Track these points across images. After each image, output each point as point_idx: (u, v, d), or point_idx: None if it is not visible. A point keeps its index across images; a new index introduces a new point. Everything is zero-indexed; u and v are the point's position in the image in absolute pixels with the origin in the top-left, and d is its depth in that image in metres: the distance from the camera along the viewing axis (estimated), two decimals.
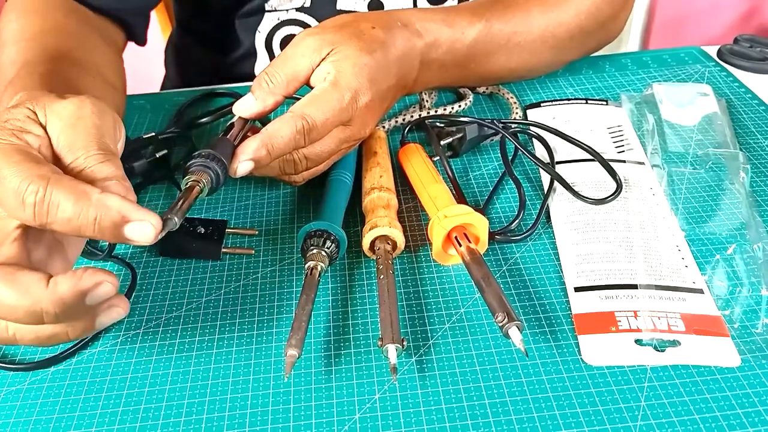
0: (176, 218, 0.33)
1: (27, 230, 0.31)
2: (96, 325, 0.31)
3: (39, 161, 0.30)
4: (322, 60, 0.43)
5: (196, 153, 0.38)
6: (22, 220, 0.30)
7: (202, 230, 0.43)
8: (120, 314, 0.31)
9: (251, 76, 0.69)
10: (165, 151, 0.51)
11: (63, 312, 0.28)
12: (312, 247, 0.39)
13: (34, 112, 0.33)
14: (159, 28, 0.95)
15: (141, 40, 0.62)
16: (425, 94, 0.56)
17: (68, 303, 0.28)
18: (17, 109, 0.33)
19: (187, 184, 0.36)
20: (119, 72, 0.55)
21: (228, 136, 0.41)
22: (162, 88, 0.82)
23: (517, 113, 0.55)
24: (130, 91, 0.57)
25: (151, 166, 0.51)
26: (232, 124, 0.42)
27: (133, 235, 0.30)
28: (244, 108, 0.43)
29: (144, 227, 0.30)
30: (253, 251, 0.44)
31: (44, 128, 0.32)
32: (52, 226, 0.29)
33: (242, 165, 0.39)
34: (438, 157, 0.49)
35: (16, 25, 0.50)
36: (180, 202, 0.34)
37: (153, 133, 0.52)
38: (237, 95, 0.52)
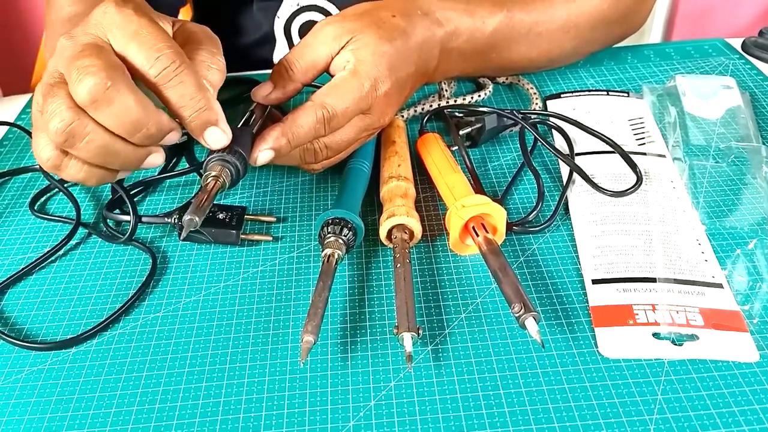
0: (197, 218, 0.35)
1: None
2: None
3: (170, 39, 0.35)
4: (342, 48, 0.43)
5: None
6: (142, 70, 0.35)
7: (222, 216, 0.44)
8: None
9: (269, 63, 0.69)
10: (185, 138, 0.51)
11: None
12: (329, 235, 0.40)
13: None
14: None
15: None
16: (444, 83, 0.56)
17: None
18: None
19: (206, 180, 0.37)
20: None
21: (248, 125, 0.41)
22: None
23: (536, 104, 0.55)
24: None
25: (170, 152, 0.51)
26: (251, 111, 0.42)
27: (210, 138, 0.37)
28: (262, 94, 0.43)
29: (221, 135, 0.37)
30: (272, 238, 0.44)
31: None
32: (168, 92, 0.35)
33: (263, 154, 0.39)
34: (456, 147, 0.49)
35: None
36: (201, 200, 0.35)
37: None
38: (255, 82, 0.52)
